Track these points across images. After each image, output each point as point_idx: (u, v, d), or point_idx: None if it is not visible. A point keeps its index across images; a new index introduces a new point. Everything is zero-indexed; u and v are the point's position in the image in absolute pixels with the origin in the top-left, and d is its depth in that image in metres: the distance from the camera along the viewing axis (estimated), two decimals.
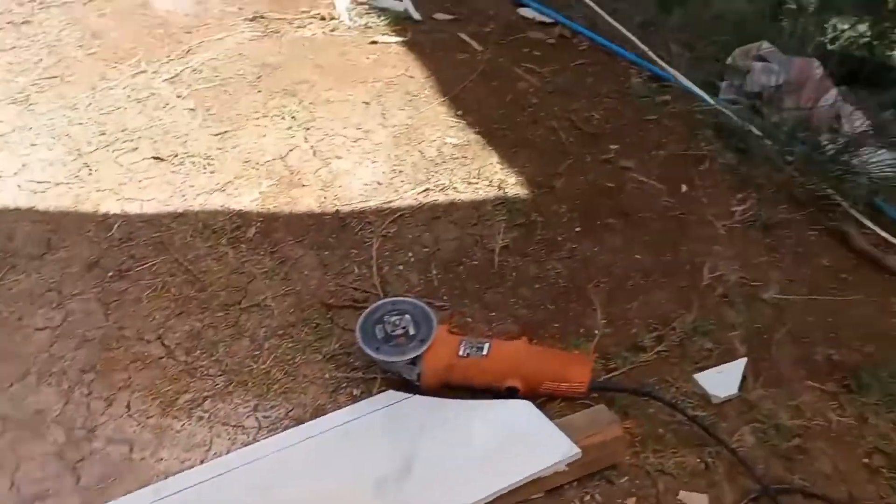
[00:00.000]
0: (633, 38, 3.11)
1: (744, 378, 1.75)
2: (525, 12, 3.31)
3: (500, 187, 2.21)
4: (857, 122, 2.77)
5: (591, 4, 3.34)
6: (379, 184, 2.18)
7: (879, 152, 2.69)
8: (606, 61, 3.06)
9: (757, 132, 2.49)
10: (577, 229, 2.14)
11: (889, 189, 2.46)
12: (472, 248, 2.03)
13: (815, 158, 2.42)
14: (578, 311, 1.90)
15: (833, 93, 2.86)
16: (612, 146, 2.49)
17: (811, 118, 2.67)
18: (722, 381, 1.72)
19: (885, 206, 2.36)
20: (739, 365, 1.77)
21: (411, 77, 2.65)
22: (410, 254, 1.98)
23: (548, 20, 3.28)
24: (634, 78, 2.94)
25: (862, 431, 1.67)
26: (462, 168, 2.26)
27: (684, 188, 2.35)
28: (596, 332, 1.83)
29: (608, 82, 2.88)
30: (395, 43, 2.83)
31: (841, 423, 1.68)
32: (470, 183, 2.21)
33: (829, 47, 5.74)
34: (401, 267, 1.94)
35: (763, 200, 2.30)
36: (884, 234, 2.23)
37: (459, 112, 2.52)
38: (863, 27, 8.92)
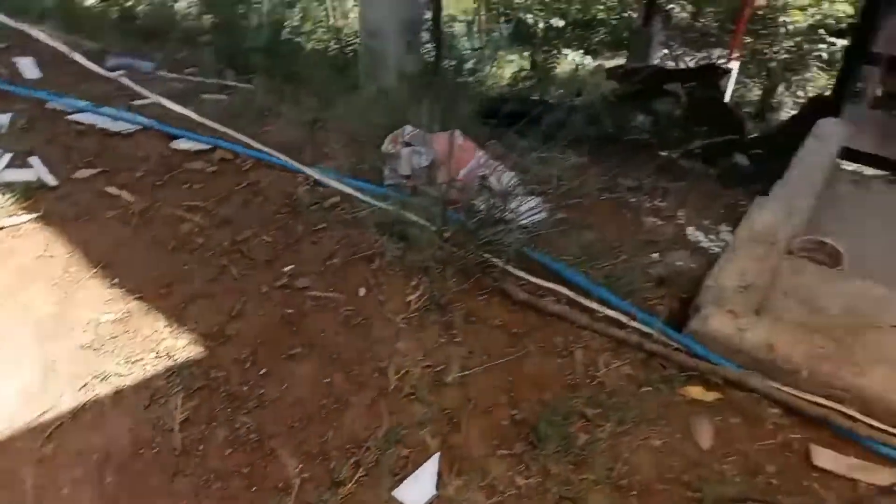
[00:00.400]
0: (277, 153, 3.17)
1: (440, 474, 1.82)
2: (179, 144, 3.24)
3: (169, 355, 2.09)
4: (504, 177, 3.10)
5: (226, 130, 3.35)
6: (28, 395, 1.94)
7: (527, 200, 3.05)
8: (273, 176, 3.09)
9: (413, 217, 2.66)
10: (263, 372, 2.09)
11: (537, 236, 2.79)
12: (150, 434, 1.88)
13: (468, 227, 2.65)
14: (275, 463, 1.84)
15: (479, 155, 3.18)
16: (287, 268, 2.50)
17: (462, 187, 2.93)
18: (418, 488, 1.77)
19: (534, 253, 2.65)
20: (433, 463, 1.84)
21: (52, 257, 2.43)
22: (78, 469, 1.78)
23: (206, 146, 3.24)
24: (302, 187, 3.01)
25: (546, 485, 1.82)
26: (124, 347, 2.11)
27: (362, 291, 2.43)
28: (294, 482, 1.79)
29: (277, 198, 2.92)
30: (28, 221, 2.59)
31: (529, 484, 1.82)
32: (135, 361, 2.06)
33: (496, 91, 6.45)
34: (66, 490, 1.73)
35: (433, 282, 2.45)
36: (535, 280, 2.51)
37: (115, 281, 2.35)
38: (525, 55, 10.10)
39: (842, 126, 3.21)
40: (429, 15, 5.99)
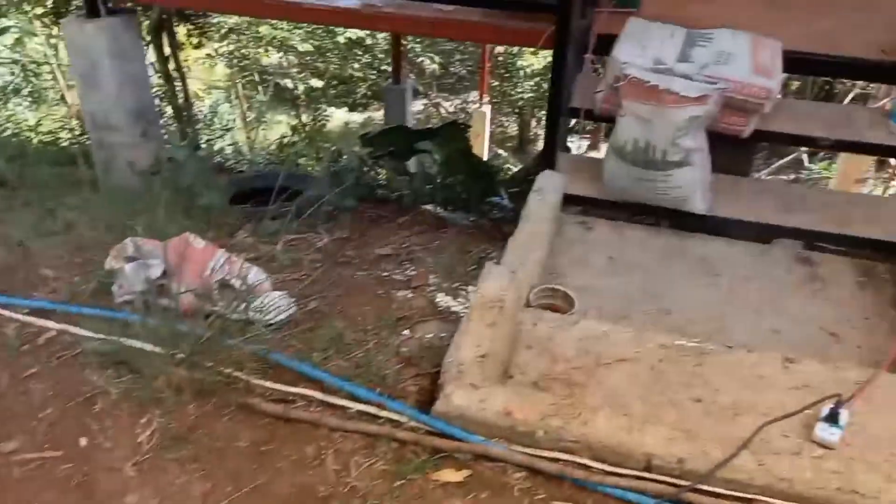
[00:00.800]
0: None
1: None
2: None
3: None
4: (250, 274, 2.96)
5: None
6: None
7: (275, 296, 2.94)
8: None
9: (139, 343, 2.44)
10: None
11: (286, 336, 2.70)
12: None
13: (206, 342, 2.48)
14: None
15: (219, 255, 3.02)
16: None
17: (201, 295, 2.75)
18: None
19: (280, 357, 2.54)
20: None
21: None
22: None
23: None
24: (9, 325, 2.65)
25: None
26: None
27: (83, 442, 2.16)
28: None
29: None
30: None
31: None
32: None
33: (253, 167, 6.31)
34: None
35: (166, 413, 2.26)
36: (284, 387, 2.41)
37: None
38: (292, 115, 10.08)
39: (558, 176, 3.53)
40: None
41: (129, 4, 4.60)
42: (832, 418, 2.21)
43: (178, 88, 6.62)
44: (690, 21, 3.44)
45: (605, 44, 3.47)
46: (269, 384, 2.40)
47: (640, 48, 3.32)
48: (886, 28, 3.50)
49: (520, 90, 9.39)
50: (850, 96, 7.96)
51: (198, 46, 7.49)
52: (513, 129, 10.14)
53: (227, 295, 2.78)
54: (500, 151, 9.23)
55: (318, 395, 2.37)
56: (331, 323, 2.77)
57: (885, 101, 6.53)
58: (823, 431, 2.18)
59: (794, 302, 3.07)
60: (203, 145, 6.83)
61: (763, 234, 3.33)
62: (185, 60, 7.46)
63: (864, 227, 3.20)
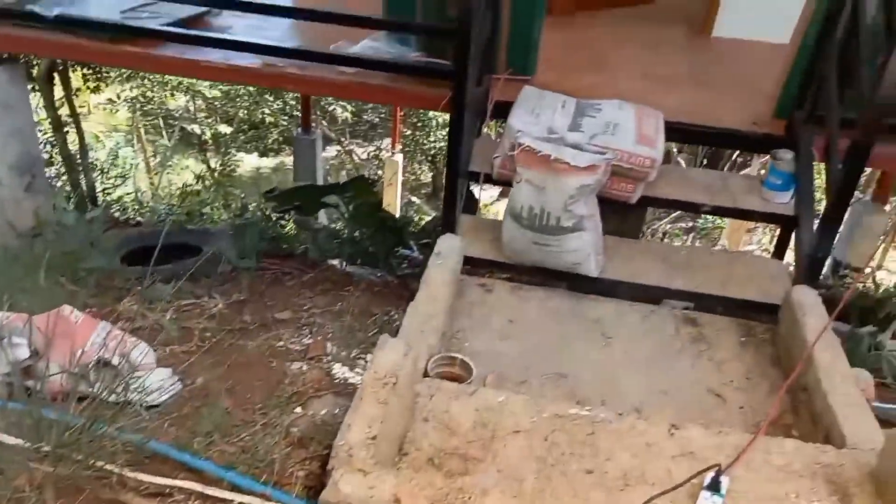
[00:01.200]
0: None
1: None
2: None
3: None
4: (133, 350, 2.79)
5: None
6: None
7: (158, 374, 2.79)
8: None
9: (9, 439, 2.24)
10: None
11: (167, 418, 2.55)
12: None
13: (76, 430, 2.31)
14: None
15: (100, 328, 2.85)
16: None
17: (77, 375, 2.57)
18: None
19: (158, 445, 2.39)
20: None
21: None
22: None
23: None
24: None
25: None
26: None
27: None
28: None
29: None
30: None
31: None
32: None
33: (152, 220, 6.05)
34: None
35: None
36: (158, 479, 2.26)
37: None
38: (200, 161, 9.84)
39: (457, 239, 3.56)
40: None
41: (15, 55, 4.37)
42: (714, 487, 2.26)
43: (73, 136, 6.29)
44: (581, 91, 3.59)
45: (503, 109, 3.57)
46: (143, 477, 2.24)
47: (534, 116, 3.43)
48: (757, 102, 3.78)
49: (432, 139, 9.52)
50: (735, 155, 8.54)
51: (95, 90, 7.19)
52: (426, 176, 10.23)
53: (106, 375, 2.61)
54: (414, 199, 9.28)
55: (198, 486, 2.24)
56: (217, 402, 2.65)
57: (764, 158, 7.01)
58: (706, 501, 2.23)
59: (682, 363, 3.18)
60: (99, 194, 6.53)
61: (652, 295, 3.46)
62: (83, 106, 7.11)
63: (742, 289, 3.37)
